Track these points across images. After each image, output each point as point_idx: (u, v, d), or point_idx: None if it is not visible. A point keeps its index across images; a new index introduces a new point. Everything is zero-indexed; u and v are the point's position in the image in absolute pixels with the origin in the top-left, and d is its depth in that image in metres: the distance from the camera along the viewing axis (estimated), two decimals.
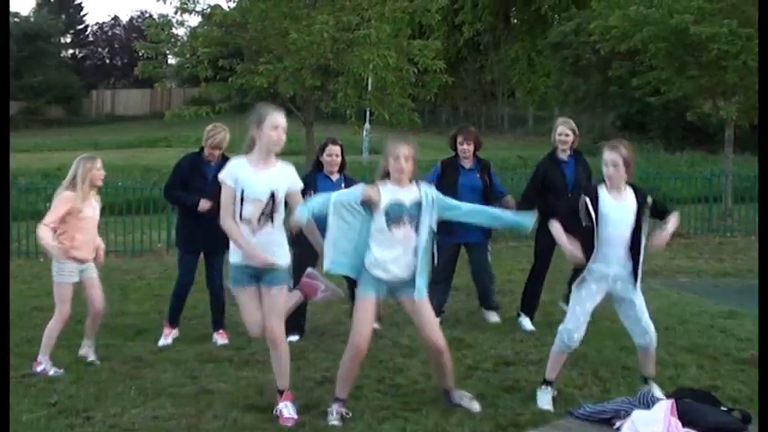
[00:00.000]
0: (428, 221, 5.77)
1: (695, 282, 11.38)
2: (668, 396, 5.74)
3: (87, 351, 7.43)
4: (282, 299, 5.87)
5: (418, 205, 5.76)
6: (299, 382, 6.64)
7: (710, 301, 9.90)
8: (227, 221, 5.67)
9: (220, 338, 8.04)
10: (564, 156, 8.47)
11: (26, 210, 13.89)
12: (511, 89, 45.25)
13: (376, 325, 8.30)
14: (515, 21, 43.99)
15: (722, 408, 5.56)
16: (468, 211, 6.21)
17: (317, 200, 5.82)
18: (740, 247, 14.63)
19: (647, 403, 5.51)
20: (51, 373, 6.95)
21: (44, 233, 6.93)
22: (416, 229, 5.75)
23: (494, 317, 8.86)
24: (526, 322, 8.58)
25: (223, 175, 5.68)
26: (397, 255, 5.74)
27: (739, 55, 16.49)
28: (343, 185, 7.82)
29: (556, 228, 6.04)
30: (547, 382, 6.16)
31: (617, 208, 5.94)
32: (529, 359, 7.27)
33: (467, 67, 44.71)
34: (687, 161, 26.47)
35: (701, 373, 6.88)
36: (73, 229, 7.06)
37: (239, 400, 6.18)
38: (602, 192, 5.98)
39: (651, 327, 6.08)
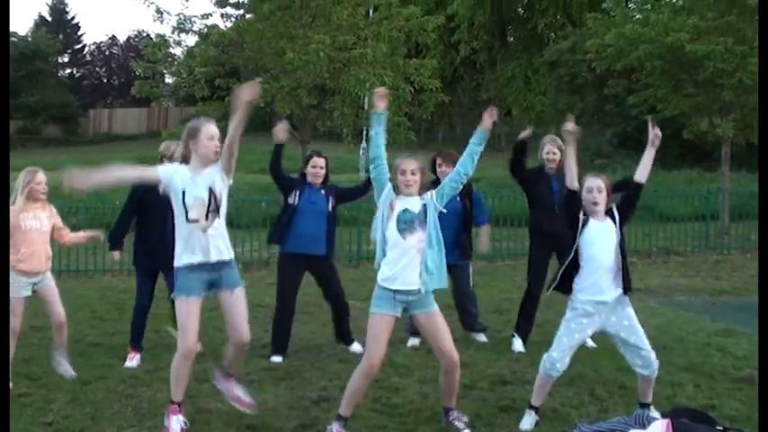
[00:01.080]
0: (434, 219, 5.91)
1: (692, 300, 11.38)
2: (664, 415, 5.72)
3: (65, 366, 7.49)
4: (244, 299, 5.97)
5: (425, 210, 5.93)
6: (294, 401, 6.64)
7: (707, 319, 9.90)
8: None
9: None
10: (552, 173, 8.47)
11: None
12: (507, 107, 45.24)
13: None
14: (511, 39, 44.13)
15: (718, 427, 5.53)
16: (458, 166, 6.24)
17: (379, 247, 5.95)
18: (737, 265, 14.64)
19: (643, 423, 5.50)
20: None
21: None
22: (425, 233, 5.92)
23: (481, 337, 8.83)
24: (518, 344, 8.53)
25: (161, 168, 5.90)
26: (410, 262, 5.81)
27: (735, 73, 16.57)
28: (322, 192, 8.23)
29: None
30: (532, 407, 6.15)
31: (600, 232, 5.98)
32: (525, 378, 7.24)
33: (463, 86, 44.78)
34: (684, 179, 26.52)
35: (697, 391, 6.87)
36: (18, 242, 7.11)
37: (236, 420, 6.15)
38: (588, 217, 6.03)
39: (652, 355, 6.03)
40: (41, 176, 7.37)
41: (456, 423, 6.01)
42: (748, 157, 22.27)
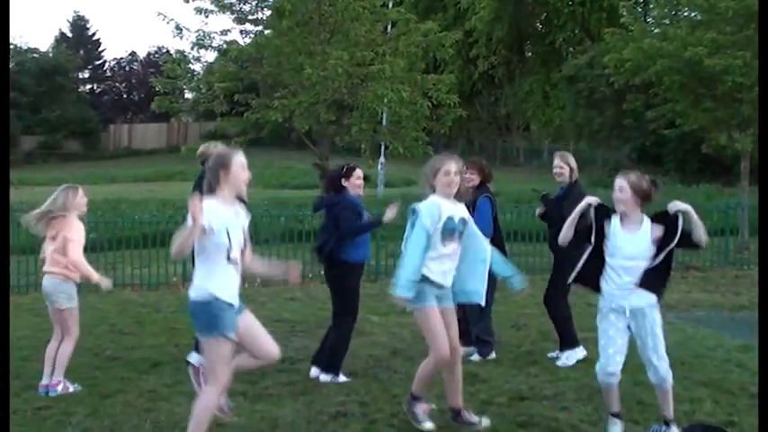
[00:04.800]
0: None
1: (711, 315, 11.30)
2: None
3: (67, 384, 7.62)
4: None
5: (464, 221, 6.22)
6: (312, 416, 6.65)
7: (727, 334, 9.84)
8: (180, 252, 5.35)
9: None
10: (562, 188, 8.58)
11: None
12: (526, 122, 45.27)
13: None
14: (530, 54, 44.13)
15: None
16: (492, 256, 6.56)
17: (416, 263, 6.05)
18: (757, 281, 14.52)
19: None
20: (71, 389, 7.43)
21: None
22: (459, 243, 6.22)
23: (474, 355, 8.71)
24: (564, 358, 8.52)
25: (204, 221, 5.29)
26: (448, 268, 6.17)
27: (754, 87, 16.50)
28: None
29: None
30: (613, 415, 6.15)
31: (628, 240, 5.92)
32: (543, 394, 7.23)
33: (481, 101, 44.84)
34: (703, 194, 26.38)
35: (716, 407, 6.83)
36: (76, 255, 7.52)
37: None
38: (615, 220, 5.99)
39: (664, 365, 6.00)
40: (83, 192, 7.62)
41: (470, 418, 6.28)
42: None
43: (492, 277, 8.68)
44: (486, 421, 6.28)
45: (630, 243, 5.91)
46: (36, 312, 11.17)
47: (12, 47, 59.25)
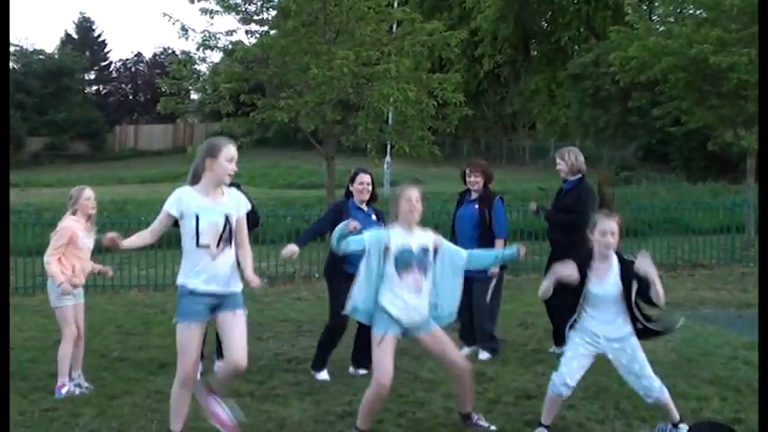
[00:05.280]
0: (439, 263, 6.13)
1: (718, 313, 11.30)
2: (688, 430, 5.70)
3: (80, 380, 7.68)
4: (244, 323, 5.82)
5: (425, 250, 6.03)
6: (319, 415, 6.66)
7: (734, 332, 9.83)
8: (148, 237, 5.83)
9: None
10: (565, 182, 8.82)
11: None
12: (531, 121, 45.18)
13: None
14: (535, 53, 44.03)
15: None
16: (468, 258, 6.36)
17: (356, 239, 6.06)
18: None
19: None
20: (77, 392, 7.44)
21: None
22: (425, 271, 6.02)
23: (484, 354, 8.76)
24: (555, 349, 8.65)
25: (167, 205, 5.69)
26: (408, 299, 5.96)
27: None
28: (373, 217, 7.90)
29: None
30: (542, 425, 6.17)
31: (600, 285, 5.94)
32: None
33: (487, 100, 44.78)
34: (709, 191, 26.37)
35: (723, 405, 6.83)
36: (70, 256, 7.59)
37: None
38: (591, 274, 5.97)
39: (655, 383, 5.97)
40: (89, 193, 7.62)
41: (480, 422, 6.23)
42: None
43: (499, 274, 8.74)
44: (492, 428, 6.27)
45: (601, 288, 5.95)
46: (43, 314, 11.20)
47: (18, 48, 59.45)
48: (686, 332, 9.60)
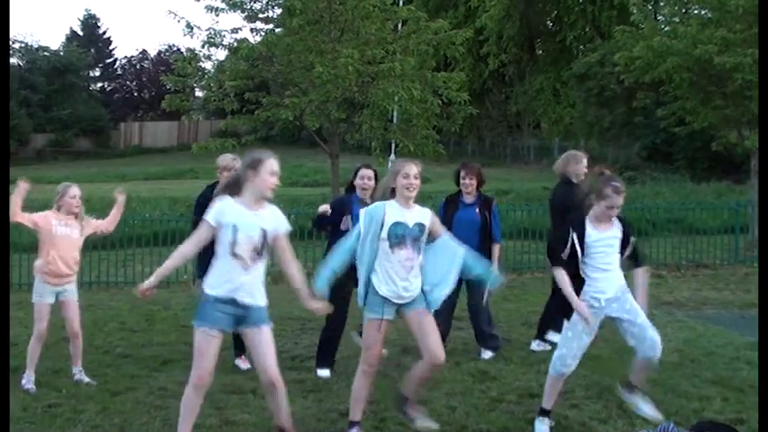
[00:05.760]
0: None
1: (721, 313, 11.29)
2: (689, 430, 5.70)
3: (81, 376, 7.71)
4: (272, 339, 5.77)
5: (420, 227, 5.95)
6: (321, 413, 6.68)
7: (736, 332, 9.83)
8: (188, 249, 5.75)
9: (243, 364, 8.11)
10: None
11: None
12: (536, 120, 45.19)
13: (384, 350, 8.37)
14: (540, 52, 44.03)
15: None
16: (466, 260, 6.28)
17: (335, 259, 6.06)
18: None
19: None
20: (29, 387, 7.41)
21: None
22: (419, 251, 5.96)
23: (486, 353, 8.77)
24: (534, 345, 8.92)
25: (209, 215, 5.59)
26: (399, 275, 5.89)
27: None
28: None
29: (562, 278, 6.04)
30: (544, 412, 6.19)
31: (601, 240, 6.06)
32: None
33: (492, 99, 44.77)
34: (713, 191, 26.32)
35: (726, 405, 6.83)
36: (47, 247, 7.65)
37: None
38: (588, 226, 6.07)
39: (658, 338, 6.07)
40: (74, 191, 7.66)
41: (415, 418, 6.15)
42: None
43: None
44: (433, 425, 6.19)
45: (603, 242, 6.09)
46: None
47: (23, 45, 59.49)
48: (689, 332, 9.61)
